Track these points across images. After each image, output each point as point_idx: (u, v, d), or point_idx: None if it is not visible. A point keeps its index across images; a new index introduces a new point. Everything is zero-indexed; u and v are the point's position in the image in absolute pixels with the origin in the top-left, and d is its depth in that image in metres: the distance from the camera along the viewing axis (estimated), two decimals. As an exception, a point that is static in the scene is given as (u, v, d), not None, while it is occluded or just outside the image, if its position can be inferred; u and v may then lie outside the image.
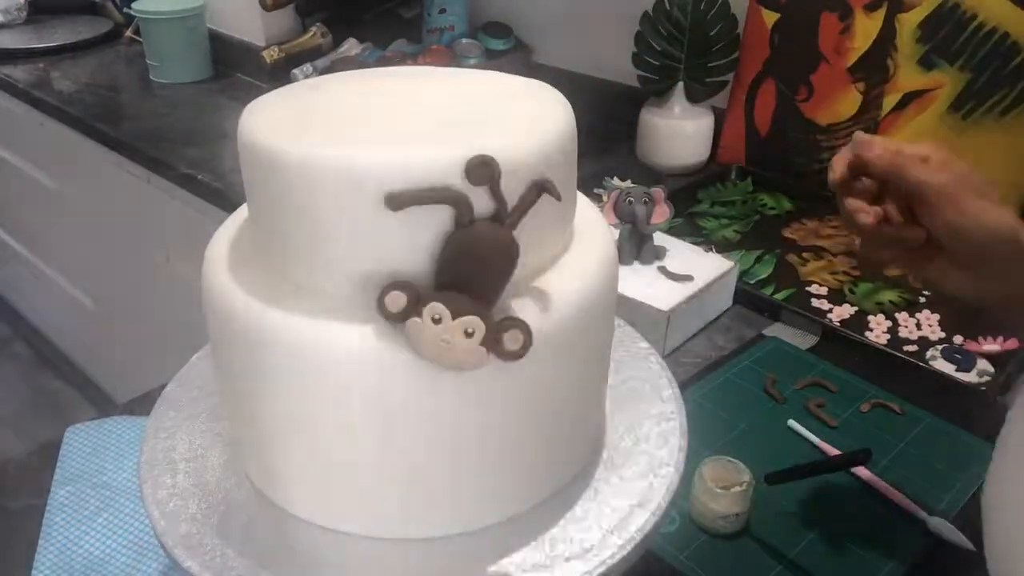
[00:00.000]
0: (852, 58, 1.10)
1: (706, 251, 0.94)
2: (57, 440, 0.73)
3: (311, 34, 1.55)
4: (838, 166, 0.54)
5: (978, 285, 0.53)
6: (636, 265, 0.89)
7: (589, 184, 1.14)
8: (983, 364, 0.83)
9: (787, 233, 1.10)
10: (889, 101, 1.09)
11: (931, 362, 0.84)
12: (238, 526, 0.49)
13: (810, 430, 0.74)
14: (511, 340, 0.40)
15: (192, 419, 0.56)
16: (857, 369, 0.83)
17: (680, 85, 1.21)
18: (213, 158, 1.30)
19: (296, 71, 1.48)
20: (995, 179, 0.55)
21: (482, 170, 0.39)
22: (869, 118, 1.11)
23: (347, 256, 0.42)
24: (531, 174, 0.41)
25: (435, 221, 0.41)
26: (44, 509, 0.66)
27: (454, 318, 0.39)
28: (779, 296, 0.95)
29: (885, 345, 0.87)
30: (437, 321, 0.39)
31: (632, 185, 0.93)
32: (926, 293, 0.96)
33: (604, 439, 0.55)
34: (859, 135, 0.54)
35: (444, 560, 0.47)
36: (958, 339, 0.88)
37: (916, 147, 0.53)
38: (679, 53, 1.20)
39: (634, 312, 0.83)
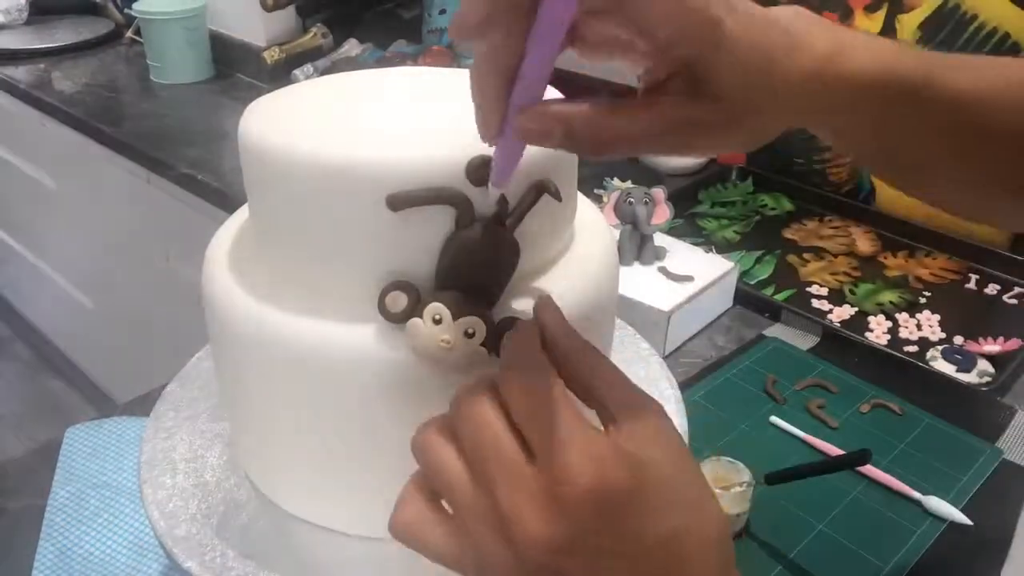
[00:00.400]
0: (852, 59, 1.10)
1: (706, 252, 0.94)
2: (57, 440, 0.73)
3: (311, 35, 1.55)
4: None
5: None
6: (636, 266, 0.89)
7: (589, 184, 1.14)
8: (983, 365, 0.83)
9: (787, 234, 1.10)
10: (889, 102, 1.09)
11: (931, 363, 0.84)
12: (238, 526, 0.49)
13: (809, 430, 0.74)
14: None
15: (192, 419, 0.56)
16: (857, 370, 0.83)
17: (680, 85, 1.21)
18: (213, 158, 1.30)
19: (297, 71, 1.48)
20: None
21: (483, 171, 0.39)
22: (869, 119, 1.11)
23: (347, 257, 0.42)
24: (531, 175, 0.41)
25: (436, 222, 0.41)
26: (44, 509, 0.66)
27: (455, 319, 0.39)
28: (779, 297, 0.95)
29: (885, 346, 0.87)
30: (437, 322, 0.39)
31: (632, 186, 0.93)
32: (927, 293, 0.96)
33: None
34: None
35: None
36: (958, 339, 0.88)
37: None
38: (679, 54, 1.20)
39: (634, 312, 0.83)
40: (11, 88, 1.62)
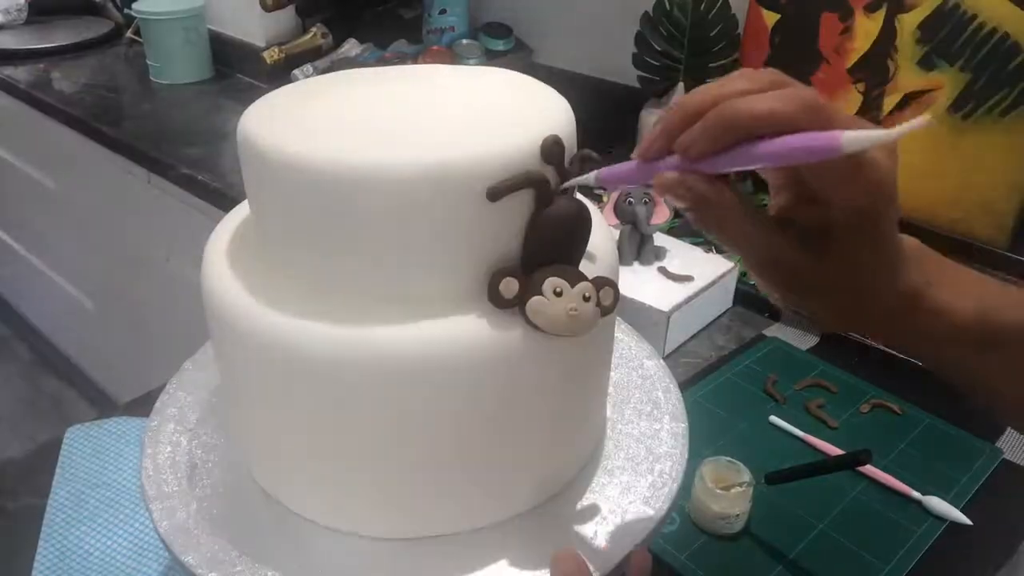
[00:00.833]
0: (852, 59, 1.10)
1: (706, 251, 0.94)
2: (57, 441, 0.73)
3: (311, 35, 1.55)
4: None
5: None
6: (636, 266, 0.89)
7: (589, 184, 1.14)
8: (983, 364, 0.83)
9: (787, 233, 1.09)
10: (889, 102, 1.09)
11: (931, 362, 0.84)
12: (239, 525, 0.49)
13: (809, 430, 0.74)
14: (605, 296, 0.43)
15: (193, 418, 0.56)
16: (857, 370, 0.83)
17: (680, 85, 1.21)
18: (213, 158, 1.30)
19: (296, 71, 1.48)
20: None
21: (555, 148, 0.42)
22: (869, 119, 1.11)
23: (357, 258, 0.42)
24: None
25: (436, 221, 0.41)
26: (44, 509, 0.66)
27: (572, 287, 0.42)
28: (779, 296, 0.95)
29: (885, 346, 0.87)
30: (559, 294, 0.41)
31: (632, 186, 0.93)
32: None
33: (604, 440, 0.55)
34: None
35: (445, 560, 0.47)
36: (958, 339, 0.88)
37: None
38: (679, 53, 1.20)
39: (634, 313, 0.83)
40: (11, 88, 1.62)
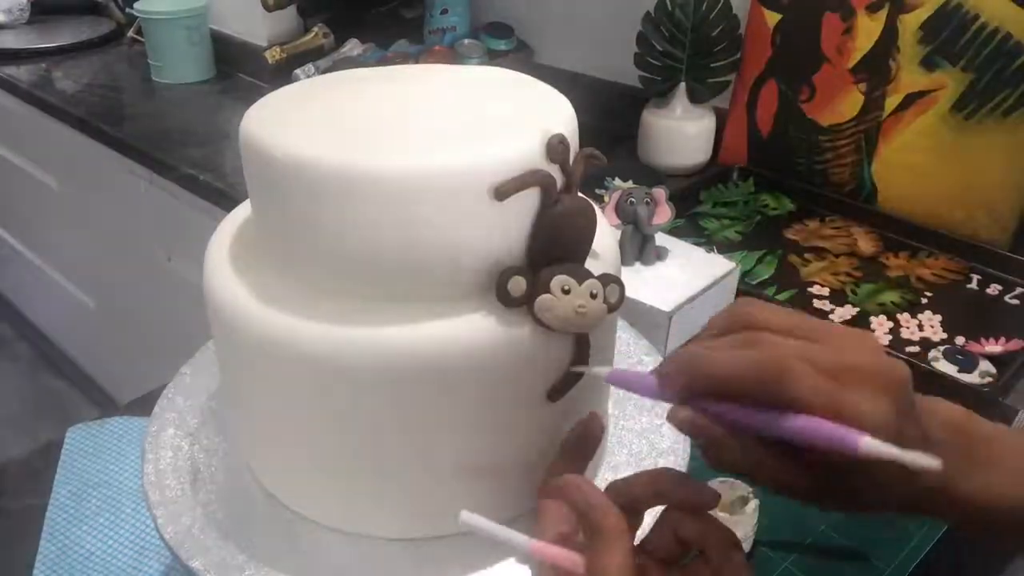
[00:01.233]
0: (854, 59, 1.10)
1: (708, 252, 0.94)
2: (58, 440, 0.73)
3: (313, 34, 1.55)
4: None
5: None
6: (638, 266, 0.89)
7: (590, 184, 1.14)
8: (985, 365, 0.83)
9: (789, 234, 1.09)
10: (891, 102, 1.09)
11: (933, 363, 0.84)
12: (240, 525, 0.49)
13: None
14: (612, 293, 0.44)
15: (194, 419, 0.56)
16: (859, 370, 0.82)
17: (682, 86, 1.21)
18: (215, 158, 1.30)
19: (298, 71, 1.48)
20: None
21: (560, 147, 0.42)
22: (871, 119, 1.11)
23: (362, 258, 0.42)
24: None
25: (442, 220, 0.41)
26: (45, 509, 0.66)
27: (579, 284, 0.42)
28: (781, 297, 0.95)
29: (887, 346, 0.87)
30: (567, 292, 0.42)
31: (634, 186, 0.93)
32: (929, 294, 0.96)
33: (605, 440, 0.55)
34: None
35: (445, 560, 0.47)
36: (960, 340, 0.88)
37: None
38: (681, 53, 1.20)
39: (636, 313, 0.83)
40: (13, 88, 1.63)
